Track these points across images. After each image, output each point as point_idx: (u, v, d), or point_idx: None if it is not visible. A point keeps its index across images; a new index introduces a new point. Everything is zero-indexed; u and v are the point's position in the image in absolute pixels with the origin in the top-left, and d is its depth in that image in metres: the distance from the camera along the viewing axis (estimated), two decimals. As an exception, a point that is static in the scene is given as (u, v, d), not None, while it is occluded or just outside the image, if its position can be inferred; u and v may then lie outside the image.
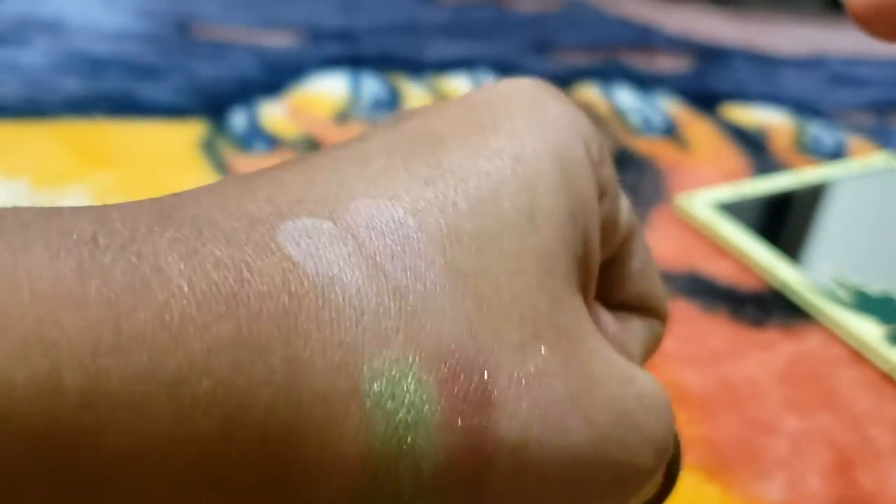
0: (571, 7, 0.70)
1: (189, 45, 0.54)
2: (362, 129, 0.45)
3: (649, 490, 0.16)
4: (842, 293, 0.33)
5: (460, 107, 0.16)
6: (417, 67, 0.54)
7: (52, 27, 0.55)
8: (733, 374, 0.29)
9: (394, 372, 0.13)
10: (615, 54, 0.60)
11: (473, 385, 0.13)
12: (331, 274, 0.13)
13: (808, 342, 0.31)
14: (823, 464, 0.26)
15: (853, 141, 0.49)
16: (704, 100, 0.53)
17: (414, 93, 0.50)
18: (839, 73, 0.60)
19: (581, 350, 0.14)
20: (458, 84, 0.52)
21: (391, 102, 0.49)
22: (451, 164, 0.15)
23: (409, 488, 0.13)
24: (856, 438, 0.27)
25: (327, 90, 0.49)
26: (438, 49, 0.58)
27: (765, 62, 0.61)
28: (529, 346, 0.14)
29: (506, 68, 0.55)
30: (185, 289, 0.12)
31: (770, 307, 0.33)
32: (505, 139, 0.15)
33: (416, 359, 0.13)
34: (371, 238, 0.13)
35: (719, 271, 0.35)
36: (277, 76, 0.51)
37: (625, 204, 0.18)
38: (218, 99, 0.47)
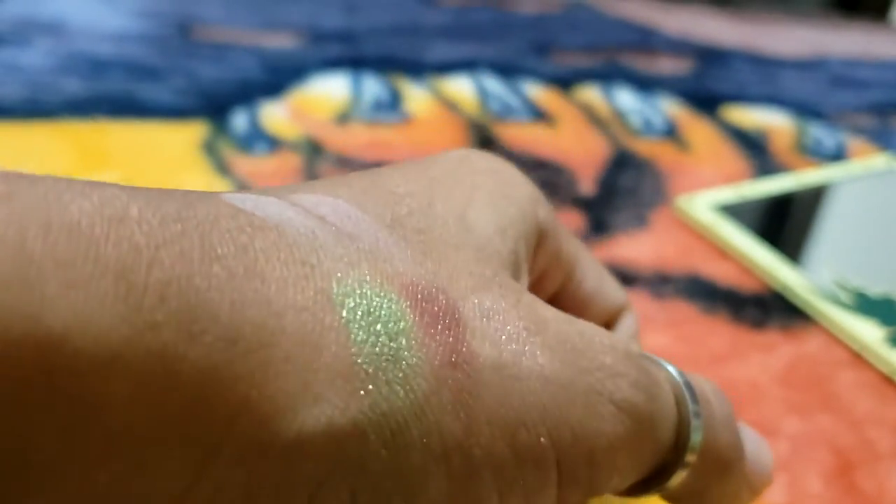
0: (572, 8, 0.70)
1: (190, 47, 0.55)
2: (363, 130, 0.45)
3: (645, 452, 0.16)
4: (842, 295, 0.33)
5: (410, 160, 0.18)
6: (418, 69, 0.54)
7: (53, 28, 0.55)
8: (734, 376, 0.29)
9: (365, 290, 0.13)
10: (616, 56, 0.60)
11: (441, 308, 0.14)
12: (282, 219, 0.13)
13: (808, 344, 0.31)
14: (824, 466, 0.26)
15: (854, 142, 0.49)
16: (705, 101, 0.53)
17: (415, 94, 0.50)
18: (840, 74, 0.60)
19: (525, 299, 0.15)
20: (459, 85, 0.52)
21: (392, 104, 0.49)
22: (389, 184, 0.16)
23: (403, 404, 0.12)
24: (856, 440, 0.27)
25: (328, 91, 0.50)
26: (439, 50, 0.58)
27: (765, 64, 0.61)
28: (480, 292, 0.14)
29: (507, 70, 0.55)
30: (125, 198, 0.11)
31: (771, 309, 0.33)
32: (439, 171, 0.17)
33: (384, 282, 0.13)
34: (318, 209, 0.14)
35: (720, 273, 0.35)
36: (278, 77, 0.51)
37: (565, 239, 0.19)
38: (219, 100, 0.47)
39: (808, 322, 0.32)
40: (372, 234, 0.14)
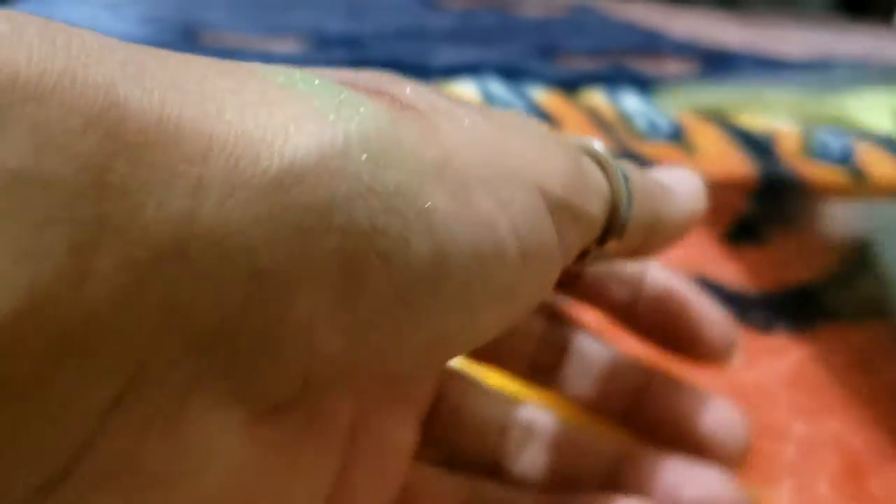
0: (578, 12, 0.70)
1: (196, 52, 0.55)
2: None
3: (591, 194, 0.16)
4: (850, 298, 0.33)
5: None
6: (423, 73, 0.54)
7: (60, 34, 0.55)
8: (741, 379, 0.29)
9: (304, 73, 0.13)
10: (621, 59, 0.60)
11: (384, 91, 0.14)
12: None
13: (816, 347, 0.31)
14: (832, 469, 0.26)
15: (860, 146, 0.49)
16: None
17: (420, 98, 0.50)
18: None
19: None
20: (464, 89, 0.52)
21: (397, 108, 0.49)
22: None
23: (378, 133, 0.12)
24: (864, 444, 0.27)
25: (333, 96, 0.50)
26: (445, 55, 0.58)
27: (771, 66, 0.61)
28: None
29: (512, 73, 0.55)
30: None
31: (778, 312, 0.33)
32: None
33: (322, 77, 0.13)
34: None
35: (726, 276, 0.35)
36: (284, 82, 0.51)
37: None
38: (225, 105, 0.47)
39: (816, 325, 0.32)
40: None
